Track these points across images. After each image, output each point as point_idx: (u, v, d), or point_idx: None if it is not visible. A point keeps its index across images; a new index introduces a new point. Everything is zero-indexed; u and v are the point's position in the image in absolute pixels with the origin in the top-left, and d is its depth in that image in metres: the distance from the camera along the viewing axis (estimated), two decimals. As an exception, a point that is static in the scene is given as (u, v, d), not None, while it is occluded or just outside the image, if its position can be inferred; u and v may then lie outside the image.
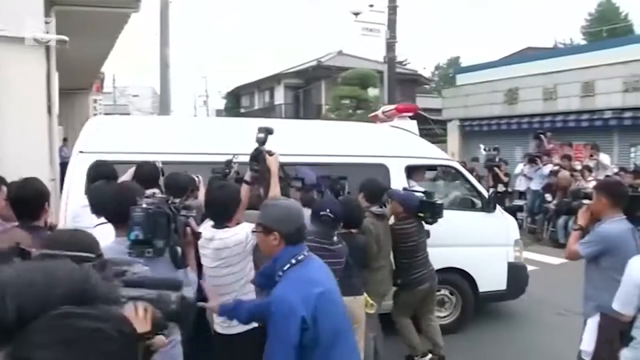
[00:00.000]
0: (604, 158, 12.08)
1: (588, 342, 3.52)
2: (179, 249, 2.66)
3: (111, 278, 1.52)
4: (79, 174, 4.57)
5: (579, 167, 11.51)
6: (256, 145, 3.79)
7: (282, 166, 4.16)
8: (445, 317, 6.02)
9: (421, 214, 5.02)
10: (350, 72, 21.92)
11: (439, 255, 5.68)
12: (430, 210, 4.98)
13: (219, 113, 44.41)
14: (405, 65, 33.86)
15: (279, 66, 40.10)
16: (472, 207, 6.30)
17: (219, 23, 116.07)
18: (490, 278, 5.99)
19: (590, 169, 11.31)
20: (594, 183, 10.00)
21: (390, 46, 17.02)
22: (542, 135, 13.84)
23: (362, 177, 5.12)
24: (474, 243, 5.87)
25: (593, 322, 3.48)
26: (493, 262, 5.99)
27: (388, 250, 4.86)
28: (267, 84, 33.99)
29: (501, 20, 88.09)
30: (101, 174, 3.97)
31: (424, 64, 70.73)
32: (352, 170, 5.15)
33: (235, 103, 39.37)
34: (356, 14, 17.15)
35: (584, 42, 34.59)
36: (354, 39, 43.04)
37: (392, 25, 16.87)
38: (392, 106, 7.36)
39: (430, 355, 5.13)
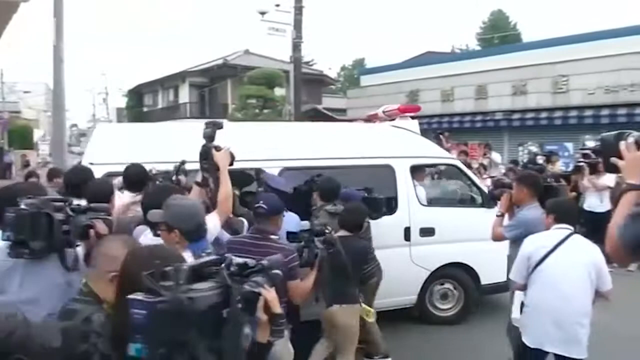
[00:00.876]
0: (496, 157, 12.89)
1: (517, 309, 3.90)
2: (71, 251, 2.56)
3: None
4: None
5: (475, 165, 12.18)
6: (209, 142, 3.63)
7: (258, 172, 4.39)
8: (448, 309, 6.22)
9: None
10: (257, 71, 21.85)
11: (444, 251, 5.90)
12: (373, 206, 5.00)
13: (119, 112, 42.65)
14: (311, 65, 34.29)
15: (184, 64, 39.09)
16: (473, 203, 6.48)
17: (119, 17, 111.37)
18: (492, 271, 6.10)
19: (485, 167, 12.00)
20: (489, 180, 10.63)
21: (297, 46, 17.13)
22: (441, 135, 14.51)
23: (368, 178, 5.28)
24: (476, 238, 5.89)
25: (520, 293, 3.85)
26: (494, 255, 5.98)
27: None
28: (171, 82, 33.05)
29: (404, 24, 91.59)
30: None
31: (329, 64, 72.21)
32: (358, 172, 5.27)
33: (138, 101, 37.95)
34: (262, 13, 17.11)
35: (478, 48, 36.73)
36: (260, 38, 42.92)
37: (298, 25, 16.99)
38: (395, 105, 7.36)
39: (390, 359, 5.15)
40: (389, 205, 5.53)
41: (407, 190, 5.82)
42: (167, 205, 2.77)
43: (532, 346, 3.59)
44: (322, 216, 4.61)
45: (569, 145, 15.29)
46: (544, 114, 15.64)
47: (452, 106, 17.80)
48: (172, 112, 30.75)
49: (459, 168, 6.62)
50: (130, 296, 1.38)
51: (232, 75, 27.34)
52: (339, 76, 50.07)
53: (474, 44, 41.31)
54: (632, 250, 1.92)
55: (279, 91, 21.44)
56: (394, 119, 6.83)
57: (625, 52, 13.74)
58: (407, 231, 5.71)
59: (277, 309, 1.71)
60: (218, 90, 29.42)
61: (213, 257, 1.63)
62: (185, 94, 31.69)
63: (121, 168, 4.14)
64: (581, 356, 3.50)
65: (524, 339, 3.65)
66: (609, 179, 8.59)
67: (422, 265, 5.82)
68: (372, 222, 4.93)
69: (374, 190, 5.19)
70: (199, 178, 3.65)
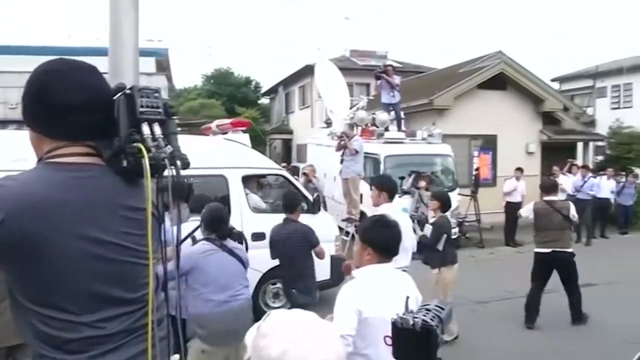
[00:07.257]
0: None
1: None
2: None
3: None
4: None
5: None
6: None
7: None
8: (280, 307, 6.32)
9: None
10: None
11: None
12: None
13: None
14: None
15: None
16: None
17: None
18: (316, 270, 5.89)
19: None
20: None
21: None
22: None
23: (204, 187, 5.66)
24: None
25: None
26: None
27: None
28: None
29: None
30: None
31: None
32: (194, 182, 5.41)
33: None
34: None
35: None
36: None
37: None
38: (227, 120, 8.12)
39: None
40: None
41: (239, 198, 6.30)
42: None
43: None
44: None
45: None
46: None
47: None
48: None
49: (286, 177, 7.13)
50: None
51: None
52: None
53: None
54: None
55: None
56: (226, 133, 7.50)
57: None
58: None
59: None
60: None
61: None
62: None
63: None
64: None
65: None
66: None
67: (254, 268, 5.61)
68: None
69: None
70: None
